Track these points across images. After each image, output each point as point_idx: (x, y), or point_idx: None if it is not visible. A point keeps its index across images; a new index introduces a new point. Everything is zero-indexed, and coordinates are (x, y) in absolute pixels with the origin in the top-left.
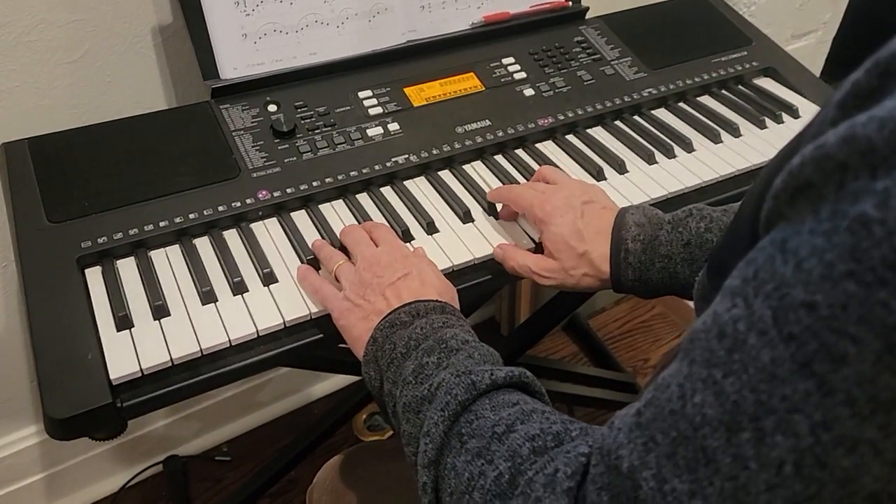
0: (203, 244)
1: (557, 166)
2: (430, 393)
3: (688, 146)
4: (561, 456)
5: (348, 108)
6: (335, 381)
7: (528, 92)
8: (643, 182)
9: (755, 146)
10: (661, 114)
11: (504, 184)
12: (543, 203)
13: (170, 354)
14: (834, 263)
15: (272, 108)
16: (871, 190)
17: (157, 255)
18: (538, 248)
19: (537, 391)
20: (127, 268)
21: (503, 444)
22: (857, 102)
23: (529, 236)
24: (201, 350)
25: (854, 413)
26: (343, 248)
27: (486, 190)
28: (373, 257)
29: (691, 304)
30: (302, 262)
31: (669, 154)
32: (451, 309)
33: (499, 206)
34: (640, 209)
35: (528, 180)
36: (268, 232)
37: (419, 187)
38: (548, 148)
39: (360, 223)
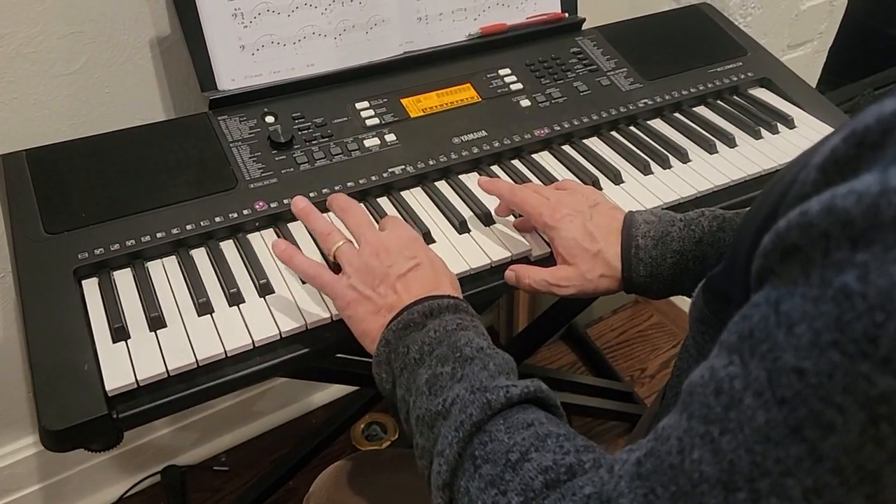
0: (200, 255)
1: (553, 177)
2: (445, 409)
3: (683, 156)
4: (569, 496)
5: (345, 119)
6: (333, 391)
7: (525, 103)
8: (638, 192)
9: (750, 156)
10: (657, 124)
11: None
12: (553, 210)
13: (166, 366)
14: (821, 332)
15: (270, 119)
16: (852, 262)
17: (153, 267)
18: (537, 262)
19: (552, 405)
20: (124, 279)
21: (517, 474)
22: (837, 169)
23: (526, 243)
24: (197, 361)
25: (842, 481)
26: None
27: (483, 200)
28: (379, 243)
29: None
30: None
31: (665, 164)
32: (465, 307)
33: (491, 206)
34: (648, 210)
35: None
36: (264, 243)
37: (416, 198)
38: (544, 158)
39: None
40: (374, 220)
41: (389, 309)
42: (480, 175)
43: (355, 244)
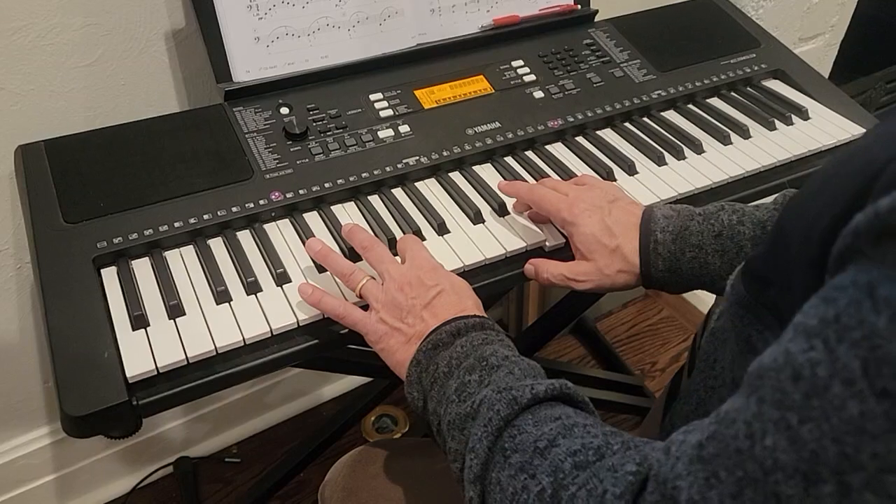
0: (217, 245)
1: (567, 168)
2: (473, 410)
3: (697, 147)
4: (606, 474)
5: (359, 110)
6: (344, 383)
7: (538, 94)
8: (653, 183)
9: (765, 147)
10: (671, 115)
11: None
12: (571, 206)
13: (185, 353)
14: None
15: (284, 110)
16: None
17: (171, 256)
18: (551, 253)
19: (580, 401)
20: (142, 268)
21: (545, 458)
22: None
23: (541, 233)
24: (216, 349)
25: None
26: (351, 251)
27: (497, 191)
28: (402, 277)
29: (698, 306)
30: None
31: (679, 155)
32: (490, 324)
33: (509, 202)
34: (667, 205)
35: (537, 181)
36: (280, 233)
37: (430, 189)
38: (557, 150)
39: (371, 225)
40: (393, 257)
41: (419, 336)
42: (494, 166)
43: (377, 278)
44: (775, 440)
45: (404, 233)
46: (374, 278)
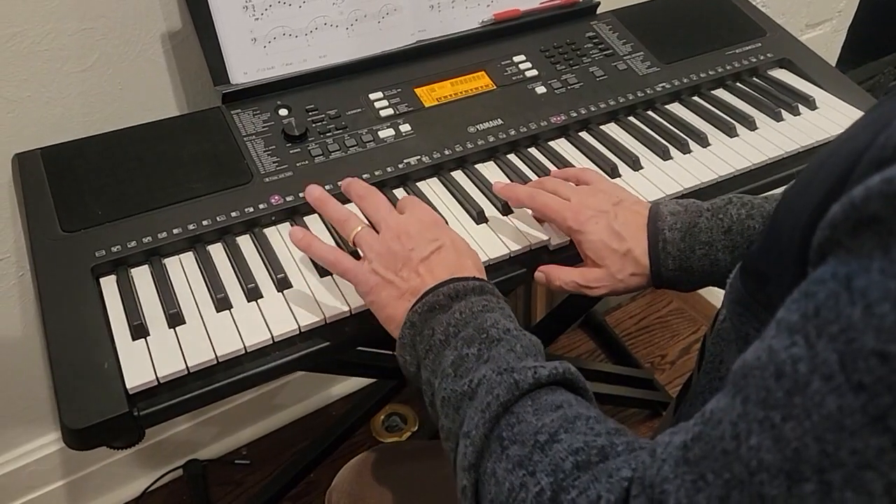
0: (217, 251)
1: (571, 164)
2: (471, 389)
3: (703, 141)
4: (604, 478)
5: (359, 110)
6: (353, 383)
7: (540, 89)
8: (658, 178)
9: (772, 139)
10: (676, 108)
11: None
12: (576, 214)
13: (185, 362)
14: None
15: (283, 112)
16: None
17: (171, 263)
18: (556, 251)
19: (581, 387)
20: (141, 276)
21: (546, 455)
22: None
23: (545, 234)
24: (217, 357)
25: None
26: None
27: None
28: (399, 227)
29: (708, 297)
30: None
31: (684, 149)
32: (490, 288)
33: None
34: (674, 200)
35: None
36: (281, 237)
37: (432, 188)
38: (561, 146)
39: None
40: (392, 206)
41: (413, 293)
42: (497, 164)
43: (374, 230)
44: (760, 440)
45: None
46: (371, 228)
